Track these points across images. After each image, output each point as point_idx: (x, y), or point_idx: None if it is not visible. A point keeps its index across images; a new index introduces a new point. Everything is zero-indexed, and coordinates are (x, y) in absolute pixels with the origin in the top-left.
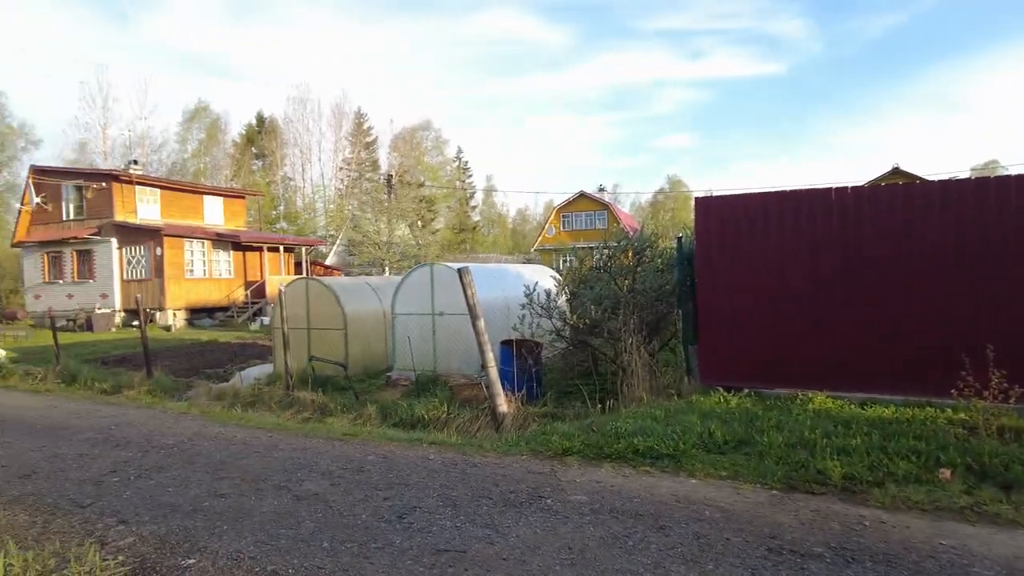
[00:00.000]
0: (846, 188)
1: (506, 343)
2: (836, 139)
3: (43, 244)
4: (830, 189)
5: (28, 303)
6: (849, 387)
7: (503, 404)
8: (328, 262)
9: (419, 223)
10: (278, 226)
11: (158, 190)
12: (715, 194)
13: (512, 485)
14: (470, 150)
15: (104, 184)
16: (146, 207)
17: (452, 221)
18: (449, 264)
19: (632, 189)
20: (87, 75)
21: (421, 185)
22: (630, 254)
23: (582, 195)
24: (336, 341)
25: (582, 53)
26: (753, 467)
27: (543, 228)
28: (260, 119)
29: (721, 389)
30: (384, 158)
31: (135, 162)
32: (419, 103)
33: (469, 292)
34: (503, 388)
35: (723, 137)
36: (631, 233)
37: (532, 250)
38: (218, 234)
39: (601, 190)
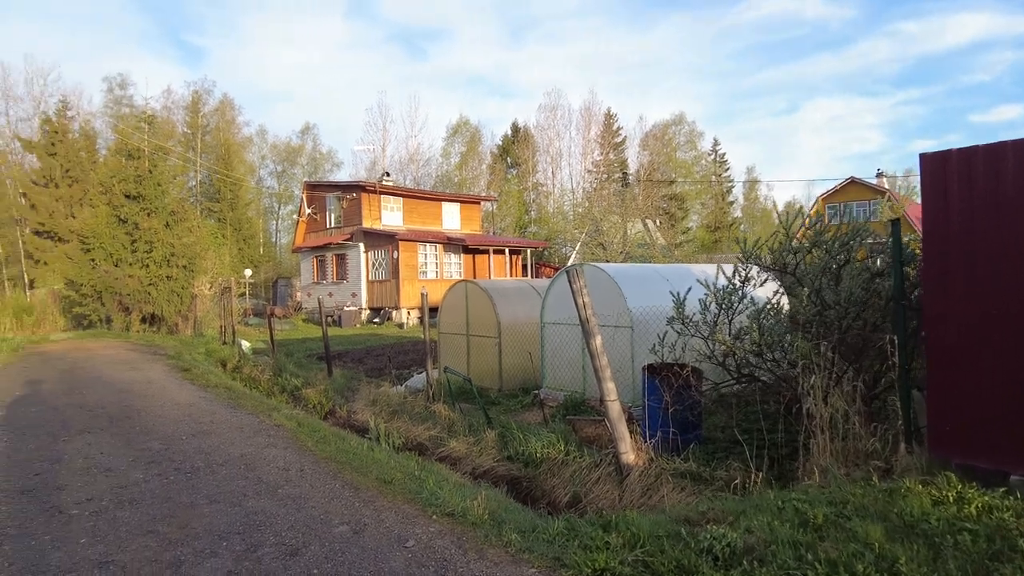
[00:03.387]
0: None
1: (651, 369)
2: None
3: (313, 249)
4: None
5: (303, 300)
6: None
7: (628, 452)
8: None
9: (659, 221)
10: (529, 231)
11: (400, 198)
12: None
13: None
14: (728, 143)
15: (355, 195)
16: (390, 214)
17: (707, 219)
18: (599, 265)
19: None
20: (371, 102)
21: (672, 182)
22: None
23: (852, 181)
24: (492, 350)
25: (869, 25)
26: None
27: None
28: (515, 128)
29: (959, 473)
30: (633, 157)
31: (387, 174)
32: (673, 99)
33: (580, 300)
34: (639, 430)
35: None
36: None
37: None
38: (449, 238)
39: (879, 175)
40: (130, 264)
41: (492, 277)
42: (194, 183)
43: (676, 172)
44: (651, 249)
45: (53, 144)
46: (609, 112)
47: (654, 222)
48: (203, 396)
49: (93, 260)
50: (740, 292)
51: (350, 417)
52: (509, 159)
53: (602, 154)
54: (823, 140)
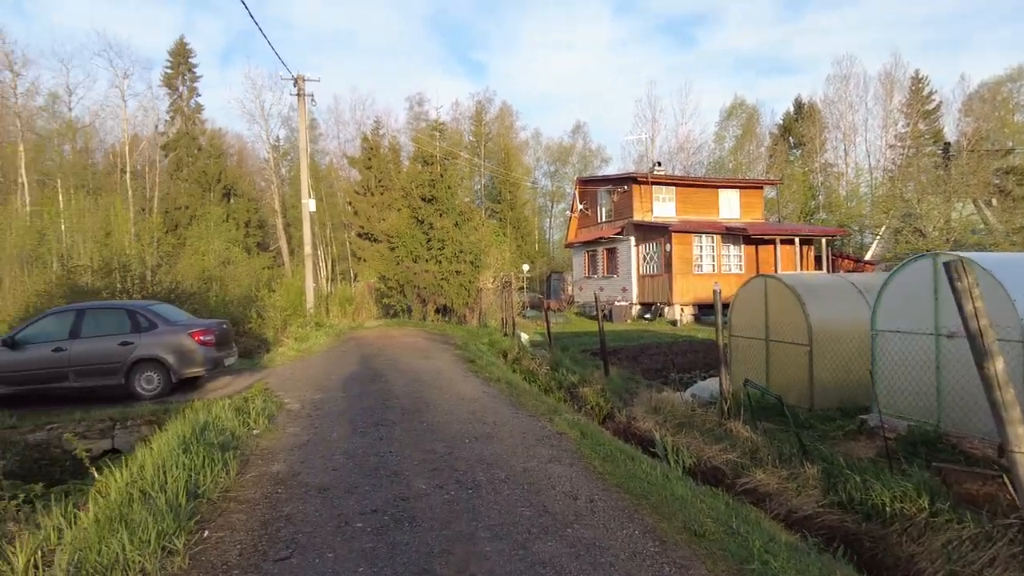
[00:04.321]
0: None
1: None
2: None
3: (584, 244)
4: None
5: (575, 295)
6: None
7: None
8: (868, 256)
9: (993, 201)
10: (817, 217)
11: (673, 188)
12: None
13: None
14: None
15: (626, 187)
16: (662, 205)
17: None
18: (970, 256)
19: None
20: (640, 94)
21: (1008, 152)
22: None
23: None
24: (799, 360)
25: None
26: None
27: None
28: (798, 105)
29: None
30: (951, 126)
31: (658, 164)
32: (1008, 50)
33: (969, 306)
34: None
35: None
36: None
37: None
38: (727, 228)
39: None
40: (426, 260)
41: (779, 270)
42: (479, 187)
43: (1014, 139)
44: (991, 236)
45: (369, 159)
46: (917, 75)
47: (988, 202)
48: (486, 391)
49: (397, 257)
50: None
51: (630, 424)
52: (791, 139)
53: (908, 125)
54: None
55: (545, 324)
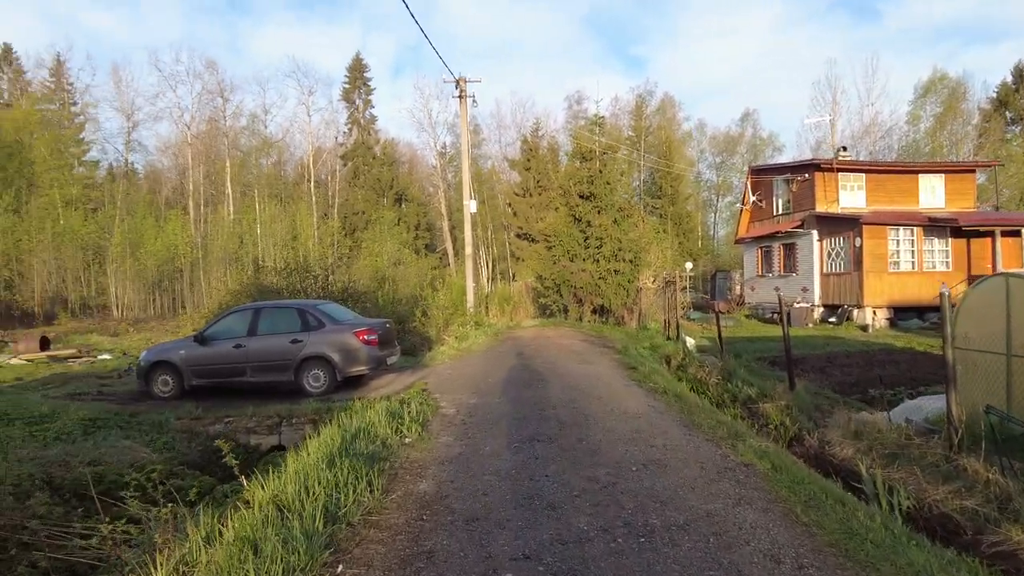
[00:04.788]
0: None
1: None
2: None
3: (757, 239)
4: None
5: (746, 295)
6: None
7: None
8: None
9: None
10: None
11: (863, 175)
12: None
13: None
14: None
15: (807, 175)
16: (849, 195)
17: None
18: None
19: None
20: (817, 75)
21: None
22: None
23: None
24: None
25: None
26: None
27: None
28: (1018, 73)
29: None
30: None
31: (844, 148)
32: None
33: None
34: None
35: None
36: None
37: None
38: (930, 219)
39: None
40: (583, 259)
41: (999, 268)
42: (637, 183)
43: None
44: None
45: (528, 160)
46: None
47: None
48: (652, 405)
49: (554, 256)
50: None
51: (823, 450)
52: (1009, 113)
53: None
54: None
55: (713, 327)
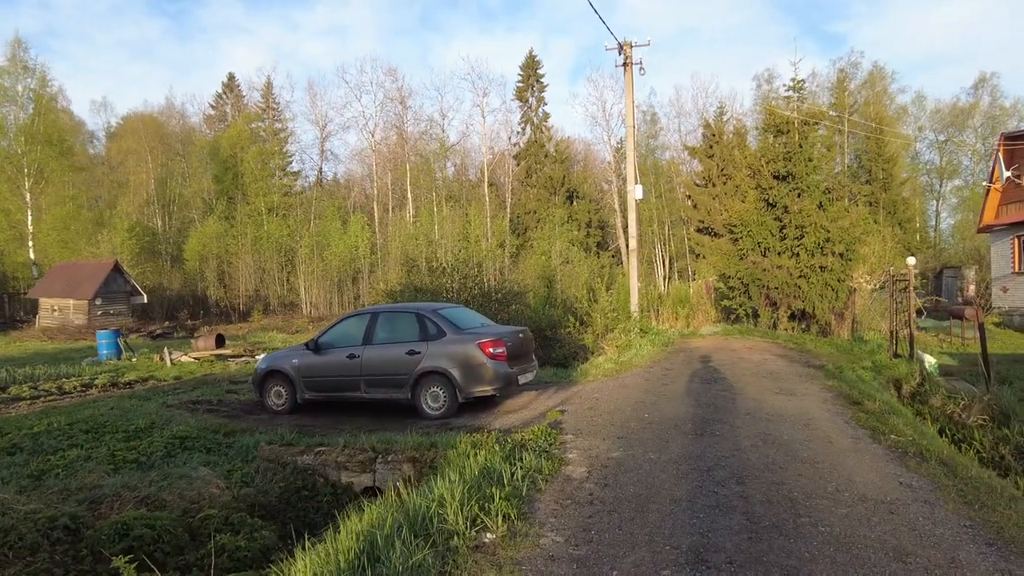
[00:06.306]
0: None
1: None
2: None
3: (1012, 227)
4: None
5: (994, 297)
6: None
7: None
8: None
9: None
10: None
11: None
12: None
13: None
14: None
15: None
16: None
17: None
18: None
19: None
20: None
21: None
22: None
23: None
24: None
25: None
26: None
27: None
28: None
29: None
30: None
31: None
32: None
33: None
34: None
35: None
36: None
37: None
38: None
39: None
40: (778, 253)
41: None
42: (839, 168)
43: None
44: None
45: (711, 147)
46: None
47: None
48: (904, 481)
49: (741, 250)
50: None
51: None
52: None
53: None
54: None
55: (954, 340)
